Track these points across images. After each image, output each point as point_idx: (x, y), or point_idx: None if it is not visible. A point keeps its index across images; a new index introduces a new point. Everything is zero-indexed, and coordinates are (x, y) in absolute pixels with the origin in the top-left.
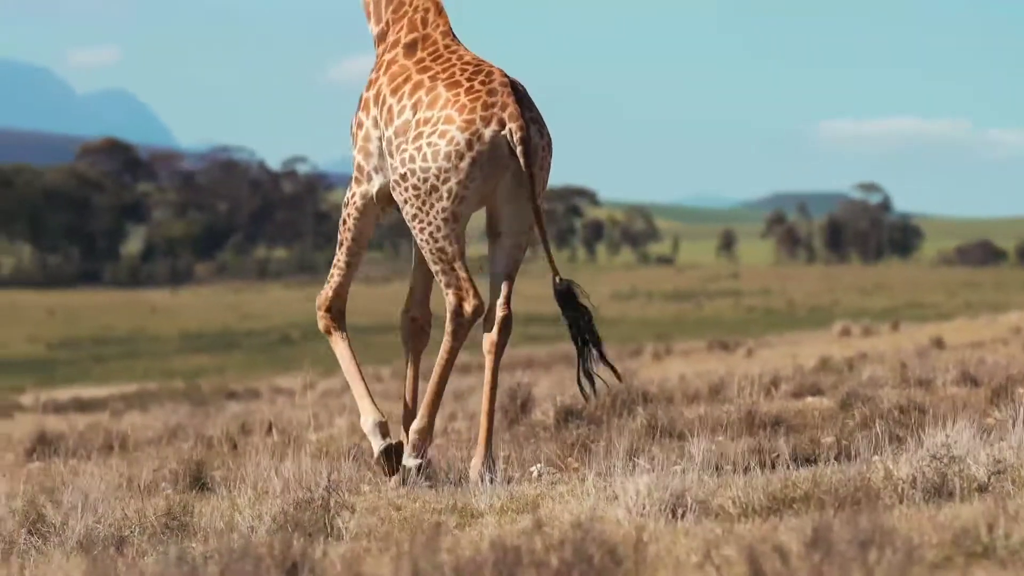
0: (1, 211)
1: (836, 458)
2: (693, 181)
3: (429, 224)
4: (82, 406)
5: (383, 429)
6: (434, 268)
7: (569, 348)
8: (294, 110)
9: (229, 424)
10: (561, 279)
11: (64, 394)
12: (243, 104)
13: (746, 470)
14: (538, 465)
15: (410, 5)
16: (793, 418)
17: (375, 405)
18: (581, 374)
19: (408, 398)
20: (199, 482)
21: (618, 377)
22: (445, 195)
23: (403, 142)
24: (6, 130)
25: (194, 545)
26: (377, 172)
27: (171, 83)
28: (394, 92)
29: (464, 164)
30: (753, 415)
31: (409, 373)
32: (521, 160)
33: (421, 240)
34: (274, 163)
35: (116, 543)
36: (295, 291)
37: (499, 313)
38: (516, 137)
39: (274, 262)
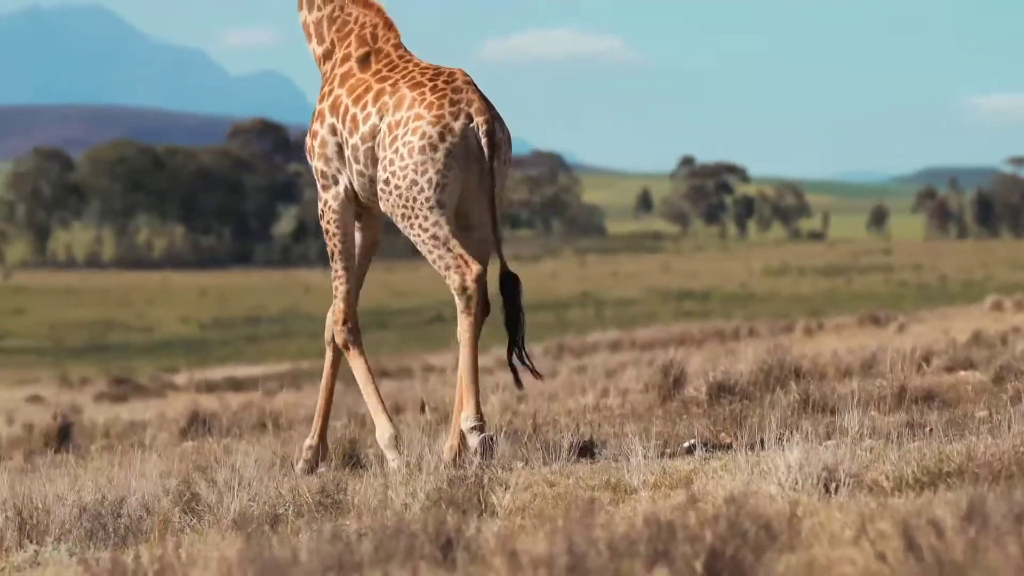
0: (154, 192)
1: (990, 432)
2: (844, 156)
3: (417, 216)
4: (235, 385)
5: (397, 444)
6: (431, 257)
7: (722, 325)
8: None
9: None
10: (509, 271)
11: (217, 373)
12: None
13: (899, 444)
14: (691, 440)
15: (355, 23)
16: (946, 392)
17: (390, 420)
18: (511, 363)
19: (324, 407)
20: (352, 460)
21: (538, 376)
22: (426, 186)
23: (374, 147)
24: (160, 111)
25: (348, 523)
26: (340, 173)
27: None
28: (356, 101)
29: (439, 155)
30: (905, 389)
31: (329, 376)
32: (486, 151)
33: (414, 236)
34: None
35: (270, 521)
36: None
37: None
38: (483, 130)
39: None
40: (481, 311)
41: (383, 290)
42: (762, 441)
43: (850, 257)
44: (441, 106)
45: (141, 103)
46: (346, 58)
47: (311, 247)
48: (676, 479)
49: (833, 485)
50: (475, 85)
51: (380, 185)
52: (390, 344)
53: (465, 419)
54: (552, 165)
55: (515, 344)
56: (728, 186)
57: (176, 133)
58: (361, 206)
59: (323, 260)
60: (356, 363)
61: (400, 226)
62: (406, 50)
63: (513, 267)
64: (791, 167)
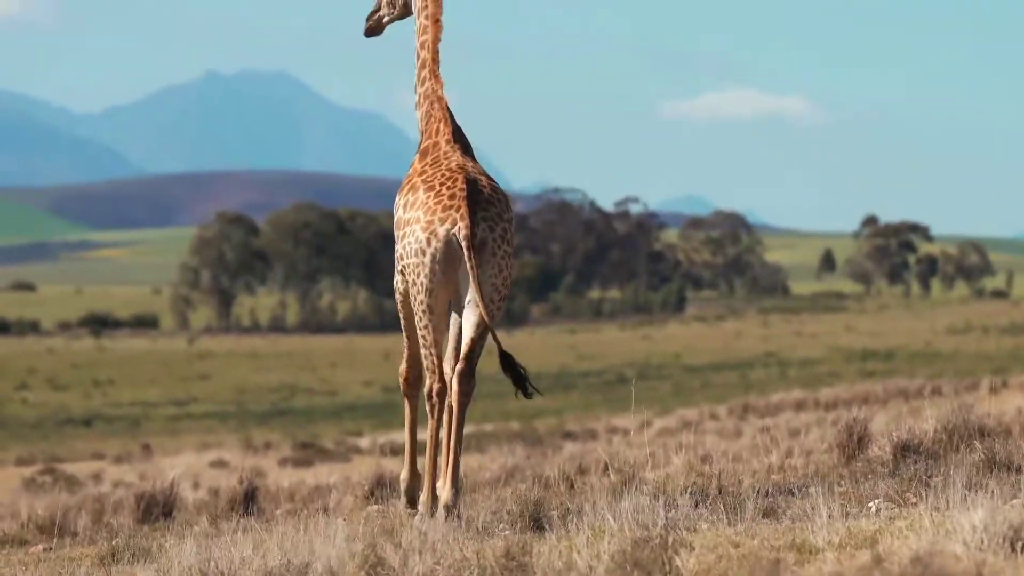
0: (338, 256)
1: None
2: None
3: (416, 313)
4: (420, 448)
5: (412, 495)
6: (422, 353)
7: (905, 383)
8: (625, 150)
9: (566, 464)
10: (505, 352)
11: (401, 436)
12: (574, 144)
13: None
14: (876, 500)
15: (433, 117)
16: None
17: (413, 473)
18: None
19: (413, 448)
20: (536, 522)
21: (531, 391)
22: (420, 288)
23: (397, 238)
24: (340, 175)
25: None
26: None
27: (503, 125)
28: (400, 192)
29: (427, 259)
30: None
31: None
32: (465, 253)
33: (416, 324)
34: (606, 204)
35: None
36: (630, 331)
37: (459, 367)
38: (462, 235)
39: (608, 302)
40: (462, 386)
41: (567, 352)
42: (947, 501)
43: None
44: (433, 212)
45: (320, 167)
46: (419, 149)
47: None
48: (861, 539)
49: (1019, 544)
50: (471, 190)
51: (399, 268)
52: (574, 405)
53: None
54: (735, 225)
55: (511, 366)
56: (911, 245)
57: (356, 196)
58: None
59: (508, 322)
60: (406, 412)
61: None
62: (454, 145)
63: (697, 328)
64: (974, 225)
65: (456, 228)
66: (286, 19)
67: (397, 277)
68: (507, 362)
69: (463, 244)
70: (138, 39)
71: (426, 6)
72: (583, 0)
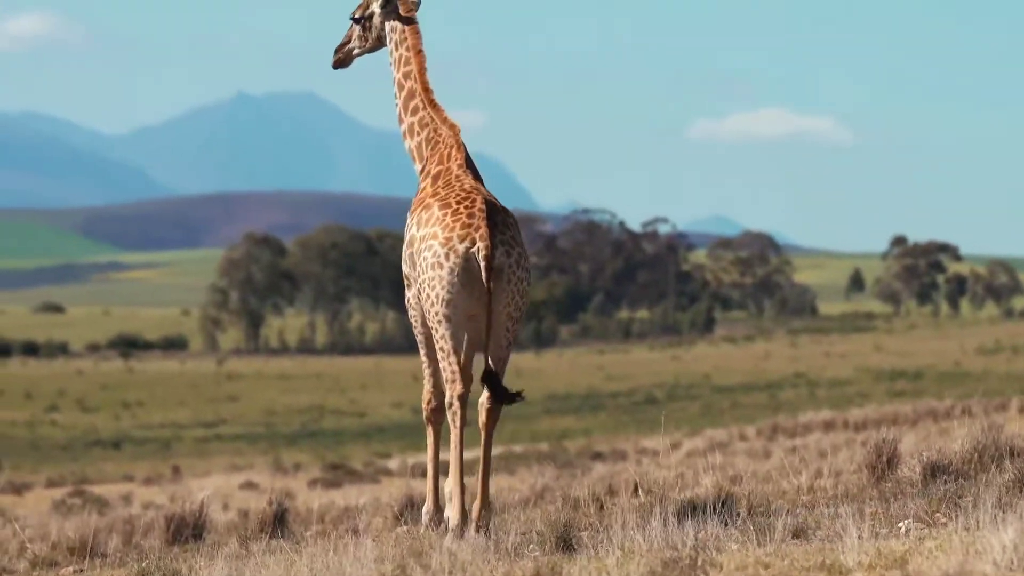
0: (366, 277)
1: None
2: None
3: (431, 325)
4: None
5: (435, 522)
6: (442, 365)
7: (935, 404)
8: (653, 170)
9: (595, 485)
10: (490, 372)
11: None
12: (603, 165)
13: None
14: (906, 521)
15: (443, 143)
16: None
17: (437, 499)
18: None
19: (436, 473)
20: (566, 543)
21: (517, 396)
22: (435, 299)
23: (412, 254)
24: (371, 197)
25: None
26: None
27: (531, 146)
28: (412, 213)
29: (444, 272)
30: None
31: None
32: (483, 274)
33: (434, 338)
34: (634, 224)
35: None
36: (659, 352)
37: (485, 400)
38: (481, 255)
39: (637, 323)
40: (494, 414)
41: (596, 373)
42: (977, 521)
43: None
44: (452, 229)
45: (349, 187)
46: (427, 174)
47: (523, 330)
48: (891, 560)
49: None
50: (490, 212)
51: (416, 288)
52: (603, 426)
53: (425, 512)
54: (763, 245)
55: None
56: (940, 265)
57: (385, 217)
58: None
59: (536, 342)
60: (428, 439)
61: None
62: (466, 171)
63: (726, 348)
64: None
65: (475, 248)
66: (315, 41)
67: (408, 295)
68: (492, 381)
69: (482, 264)
70: (167, 61)
71: (405, 38)
72: (612, 21)
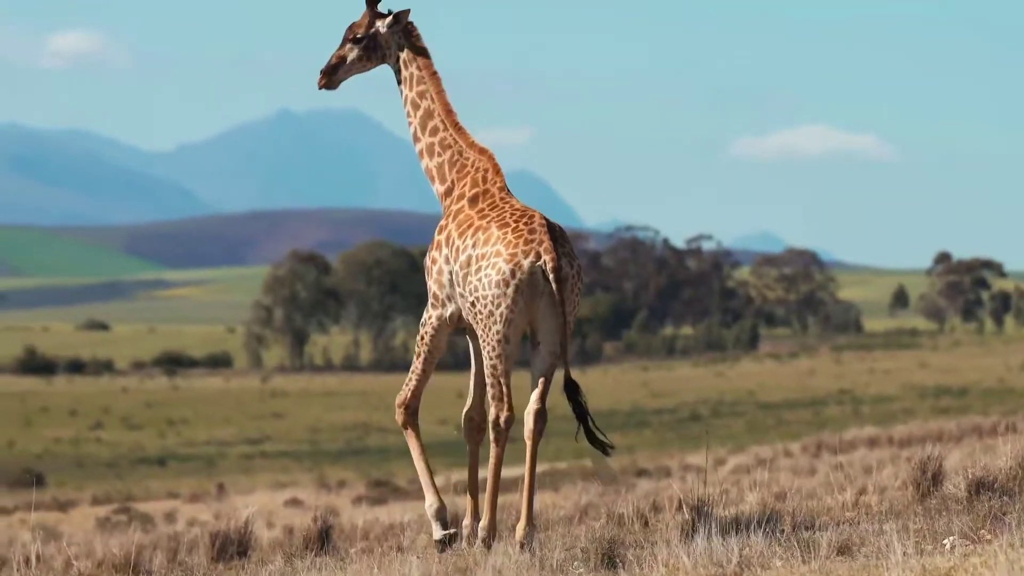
0: (411, 294)
1: None
2: None
3: (487, 343)
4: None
5: (443, 517)
6: (488, 380)
7: (980, 420)
8: (697, 188)
9: (640, 501)
10: (571, 379)
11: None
12: (646, 182)
13: None
14: (951, 537)
15: (472, 166)
16: None
17: (437, 494)
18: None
19: (471, 489)
20: (611, 560)
21: (606, 451)
22: (498, 319)
23: (468, 273)
24: (415, 214)
25: None
26: (449, 300)
27: (574, 163)
28: (460, 235)
29: (510, 290)
30: None
31: (471, 466)
32: (554, 286)
33: (485, 356)
34: (678, 241)
35: None
36: (703, 368)
37: (534, 407)
38: (549, 267)
39: (681, 339)
40: (538, 424)
41: (640, 390)
42: (1022, 538)
43: None
44: (516, 245)
45: (393, 204)
46: (461, 196)
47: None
48: None
49: None
50: (549, 227)
51: (468, 307)
52: (648, 443)
53: (481, 528)
54: (807, 262)
55: (588, 427)
56: (985, 281)
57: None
58: (462, 324)
59: (580, 360)
60: (411, 442)
61: (480, 341)
62: (508, 192)
63: (770, 365)
64: None
65: (541, 261)
66: None
67: (430, 312)
68: (571, 390)
69: (550, 276)
70: (210, 78)
71: (414, 59)
72: (655, 39)
